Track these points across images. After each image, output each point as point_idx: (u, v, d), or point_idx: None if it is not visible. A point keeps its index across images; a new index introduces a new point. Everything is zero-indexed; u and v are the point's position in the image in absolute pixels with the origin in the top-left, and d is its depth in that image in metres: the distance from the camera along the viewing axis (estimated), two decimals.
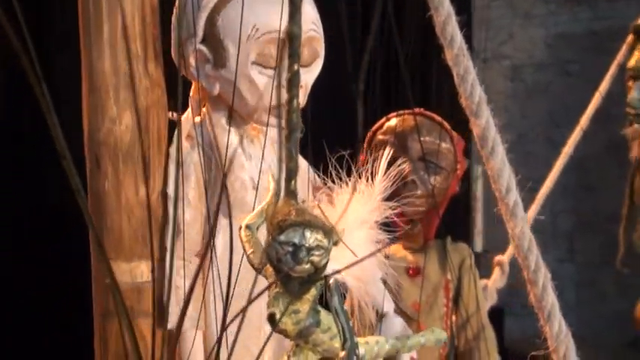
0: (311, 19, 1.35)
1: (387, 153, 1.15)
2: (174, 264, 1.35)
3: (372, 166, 1.14)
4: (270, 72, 1.32)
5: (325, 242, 0.91)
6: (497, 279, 2.31)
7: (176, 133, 1.38)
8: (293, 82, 0.93)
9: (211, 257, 1.38)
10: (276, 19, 1.27)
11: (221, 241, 1.39)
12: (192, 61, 1.35)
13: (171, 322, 1.34)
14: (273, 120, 1.36)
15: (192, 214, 1.38)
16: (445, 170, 1.90)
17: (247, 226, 1.04)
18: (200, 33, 1.33)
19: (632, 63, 2.53)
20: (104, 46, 1.31)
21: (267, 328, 1.44)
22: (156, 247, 1.35)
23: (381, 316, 1.56)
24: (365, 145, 1.97)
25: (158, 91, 1.34)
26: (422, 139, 1.87)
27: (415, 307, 1.92)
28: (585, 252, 4.58)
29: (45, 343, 2.32)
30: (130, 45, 1.31)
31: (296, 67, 0.92)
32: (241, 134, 1.42)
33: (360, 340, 1.01)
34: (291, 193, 0.94)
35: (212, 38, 1.32)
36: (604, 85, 2.82)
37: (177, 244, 1.36)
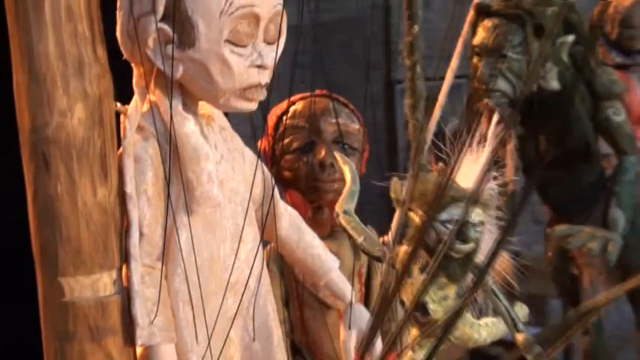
0: None
1: (495, 119, 1.07)
2: (139, 271, 1.20)
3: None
4: (242, 50, 1.20)
5: (484, 216, 0.83)
6: None
7: (125, 125, 1.23)
8: (415, 46, 0.84)
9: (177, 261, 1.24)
10: None
11: (185, 241, 1.25)
12: (150, 42, 1.19)
13: (142, 338, 1.19)
14: (243, 103, 1.24)
15: (152, 214, 1.23)
16: (357, 151, 1.86)
17: (345, 211, 0.92)
18: (161, 9, 1.18)
19: (477, 40, 2.57)
20: (46, 27, 1.12)
21: (233, 332, 1.34)
22: (118, 254, 1.19)
23: (349, 304, 1.49)
24: (269, 131, 1.87)
25: (108, 78, 1.18)
26: (333, 120, 1.81)
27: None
28: None
29: None
30: (77, 26, 1.14)
31: (416, 29, 0.83)
32: (200, 122, 1.28)
33: None
34: (424, 167, 0.85)
35: (177, 15, 1.17)
36: (454, 62, 2.89)
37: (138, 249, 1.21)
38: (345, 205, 0.95)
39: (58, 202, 1.14)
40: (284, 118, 1.85)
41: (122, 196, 1.20)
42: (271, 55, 1.22)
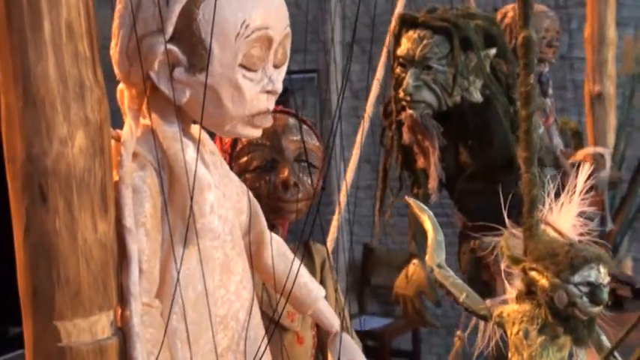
0: (286, 14, 1.18)
1: (586, 170, 1.04)
2: (139, 311, 1.11)
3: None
4: (254, 75, 1.13)
5: (609, 276, 0.80)
6: None
7: (122, 151, 1.14)
8: (531, 98, 0.80)
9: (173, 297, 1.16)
10: (268, 15, 1.09)
11: (182, 276, 1.16)
12: (155, 64, 1.10)
13: None
14: (250, 130, 1.18)
15: (151, 248, 1.14)
16: (317, 169, 1.81)
17: (439, 265, 0.87)
18: (170, 30, 1.09)
19: (402, 51, 2.55)
20: (46, 46, 1.02)
21: None
22: (116, 293, 1.10)
23: (335, 335, 1.44)
24: (228, 148, 1.79)
25: (106, 103, 1.08)
26: (295, 138, 1.75)
27: (291, 318, 1.81)
28: None
29: None
30: (77, 45, 1.04)
31: (532, 79, 0.79)
32: (200, 149, 1.20)
33: None
34: (536, 226, 0.81)
35: (189, 36, 1.09)
36: (380, 72, 2.89)
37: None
38: (436, 258, 0.90)
39: (57, 239, 1.04)
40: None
41: (119, 230, 1.11)
42: (280, 79, 1.16)
